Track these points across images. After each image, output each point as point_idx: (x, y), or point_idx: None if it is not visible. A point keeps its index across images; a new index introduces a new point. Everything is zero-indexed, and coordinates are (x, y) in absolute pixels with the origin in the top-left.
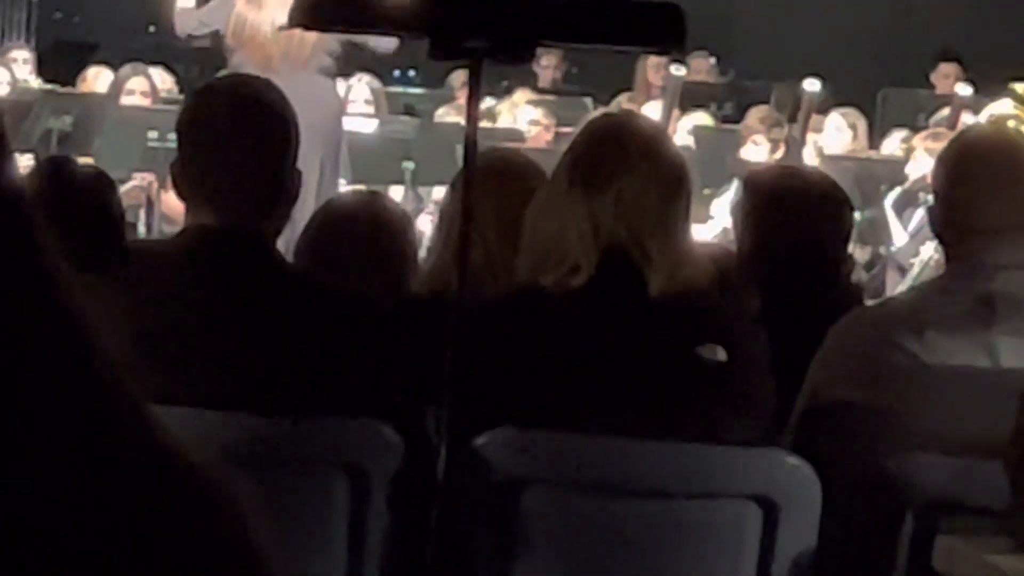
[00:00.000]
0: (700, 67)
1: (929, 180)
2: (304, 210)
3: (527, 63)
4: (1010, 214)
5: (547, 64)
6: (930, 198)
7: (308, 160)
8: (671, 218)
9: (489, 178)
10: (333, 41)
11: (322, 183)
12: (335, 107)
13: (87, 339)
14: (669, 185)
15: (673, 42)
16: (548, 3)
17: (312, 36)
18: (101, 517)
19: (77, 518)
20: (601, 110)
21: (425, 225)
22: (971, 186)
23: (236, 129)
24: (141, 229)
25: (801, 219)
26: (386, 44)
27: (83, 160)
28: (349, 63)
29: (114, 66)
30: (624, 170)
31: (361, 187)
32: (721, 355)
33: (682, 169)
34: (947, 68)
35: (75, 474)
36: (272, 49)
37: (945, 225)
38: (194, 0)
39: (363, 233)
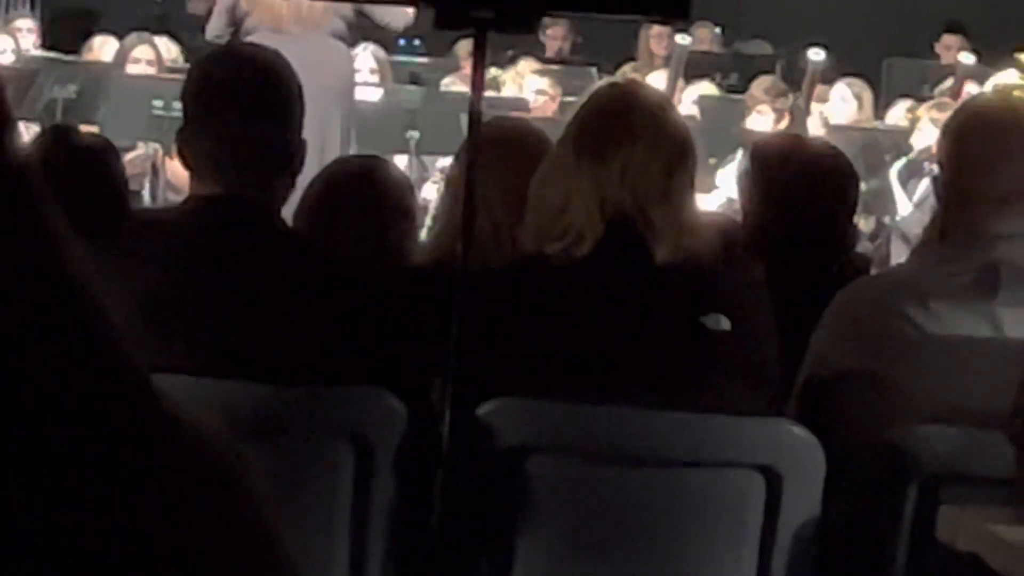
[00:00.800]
0: (704, 36)
1: (934, 150)
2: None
3: (532, 33)
4: (1014, 182)
5: (553, 35)
6: (935, 168)
7: (326, 122)
8: (676, 188)
9: (494, 147)
10: (347, 6)
11: (338, 147)
12: (349, 71)
13: (94, 308)
14: (673, 155)
15: (677, 11)
16: None
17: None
18: (107, 489)
19: (83, 489)
20: (606, 79)
21: (429, 193)
22: (975, 155)
23: (240, 98)
24: (146, 197)
25: (806, 189)
26: (400, 19)
27: (88, 128)
28: (354, 32)
29: (119, 35)
30: (629, 140)
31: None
32: (725, 324)
33: (686, 139)
34: (950, 39)
35: (81, 444)
36: (285, 11)
37: (949, 194)
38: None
39: (364, 196)
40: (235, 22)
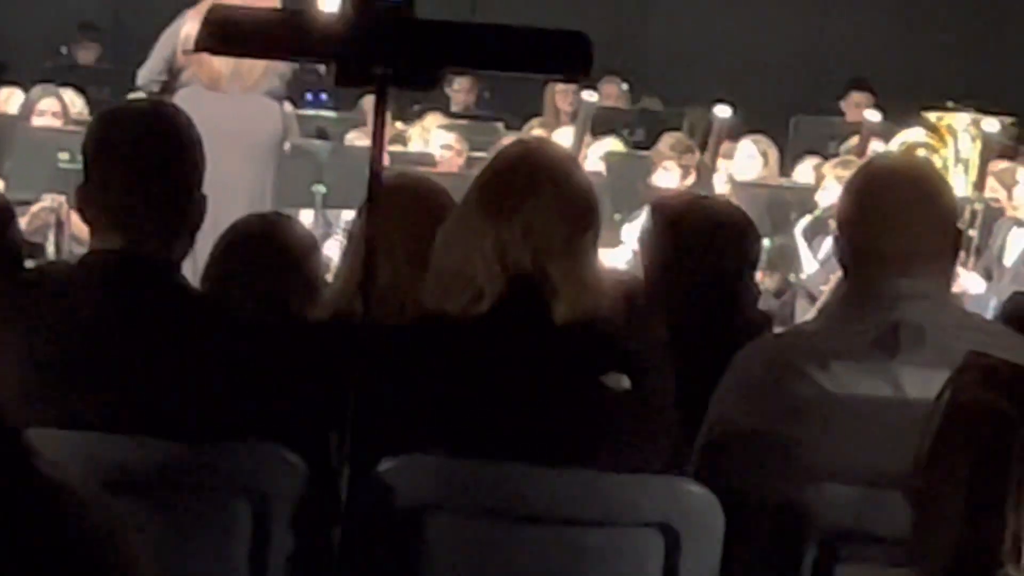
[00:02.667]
0: (611, 92)
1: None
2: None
3: (433, 89)
4: (914, 243)
5: (459, 88)
6: (832, 223)
7: (257, 179)
8: (578, 246)
9: (397, 202)
10: (284, 64)
11: (266, 204)
12: (279, 130)
13: None
14: (576, 213)
15: (578, 70)
16: (453, 29)
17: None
18: None
19: None
20: (515, 135)
21: (332, 250)
22: (876, 214)
23: (139, 154)
24: (51, 250)
25: (707, 248)
26: None
27: None
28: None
29: (25, 87)
30: (531, 196)
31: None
32: (625, 383)
33: (590, 197)
34: (858, 97)
35: None
36: (222, 68)
37: (850, 253)
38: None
39: (265, 255)
40: (170, 72)
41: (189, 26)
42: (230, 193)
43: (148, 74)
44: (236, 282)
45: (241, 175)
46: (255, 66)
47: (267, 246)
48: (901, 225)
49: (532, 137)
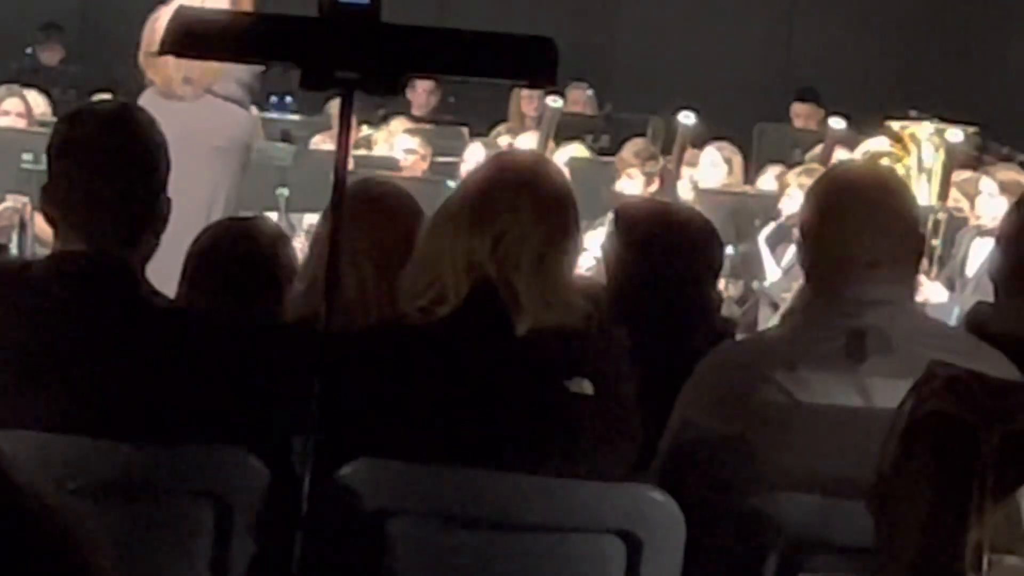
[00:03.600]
0: (577, 98)
1: None
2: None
3: (398, 94)
4: (879, 249)
5: (420, 90)
6: (795, 231)
7: (216, 182)
8: (550, 263)
9: (362, 208)
10: (242, 70)
11: (227, 209)
12: (241, 132)
13: None
14: (554, 232)
15: (543, 76)
16: (419, 35)
17: (217, 63)
18: None
19: None
20: (480, 141)
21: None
22: (840, 221)
23: (103, 155)
24: (14, 251)
25: (669, 255)
26: None
27: None
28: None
29: None
30: (509, 211)
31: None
32: (588, 389)
33: (568, 211)
34: (800, 108)
35: None
36: (174, 72)
37: (814, 260)
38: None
39: (239, 260)
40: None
41: (149, 26)
42: (186, 197)
43: None
44: (209, 284)
45: (196, 179)
46: (207, 70)
47: (238, 248)
48: (864, 230)
49: (525, 152)
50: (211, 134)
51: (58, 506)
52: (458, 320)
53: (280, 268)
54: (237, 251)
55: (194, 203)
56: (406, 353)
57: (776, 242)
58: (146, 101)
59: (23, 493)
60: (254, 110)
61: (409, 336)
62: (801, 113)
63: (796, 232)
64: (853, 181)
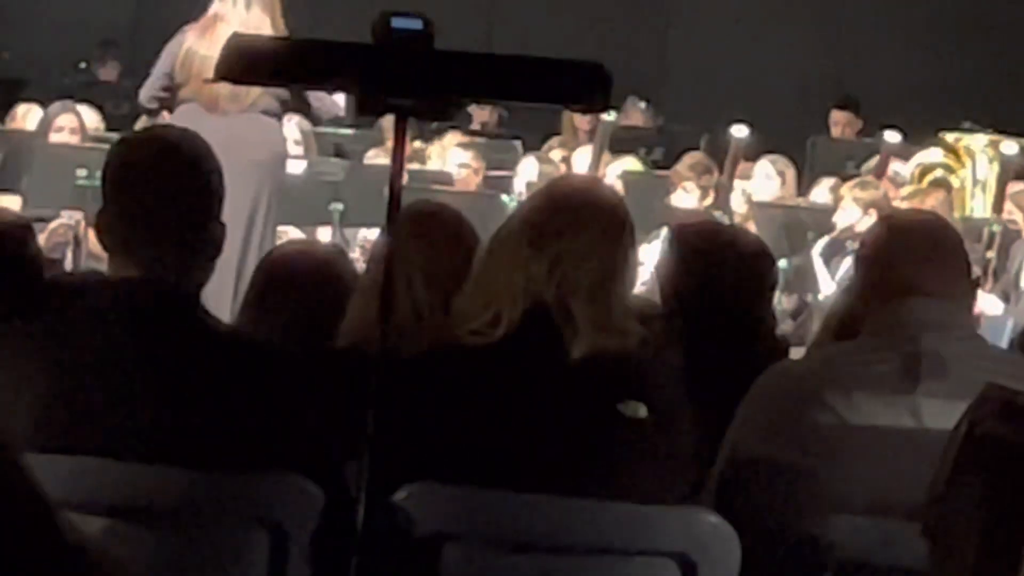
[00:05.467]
0: (631, 112)
1: (856, 229)
2: (245, 249)
3: (451, 119)
4: (935, 283)
5: (479, 107)
6: (850, 244)
7: (256, 198)
8: (605, 285)
9: (417, 230)
10: None
11: (266, 223)
12: (279, 148)
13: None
14: (609, 253)
15: (596, 100)
16: (471, 61)
17: None
18: None
19: None
20: (533, 155)
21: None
22: (899, 254)
23: (157, 183)
24: (68, 267)
25: (724, 276)
26: (334, 108)
27: (10, 198)
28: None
29: (43, 103)
30: (569, 236)
31: (289, 228)
32: (642, 412)
33: (625, 235)
34: (839, 115)
35: None
36: (220, 88)
37: (871, 283)
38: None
39: (303, 287)
40: (170, 88)
41: (189, 42)
42: (228, 212)
43: (148, 91)
44: (273, 310)
45: (240, 195)
46: (254, 87)
47: (304, 275)
48: (924, 267)
49: (582, 175)
50: (253, 148)
51: (80, 529)
52: (513, 343)
53: (345, 291)
54: (309, 276)
55: (236, 217)
56: (461, 376)
57: (830, 255)
58: (186, 114)
59: (51, 511)
60: (307, 124)
61: (464, 359)
62: (840, 121)
63: (850, 245)
64: (909, 227)
